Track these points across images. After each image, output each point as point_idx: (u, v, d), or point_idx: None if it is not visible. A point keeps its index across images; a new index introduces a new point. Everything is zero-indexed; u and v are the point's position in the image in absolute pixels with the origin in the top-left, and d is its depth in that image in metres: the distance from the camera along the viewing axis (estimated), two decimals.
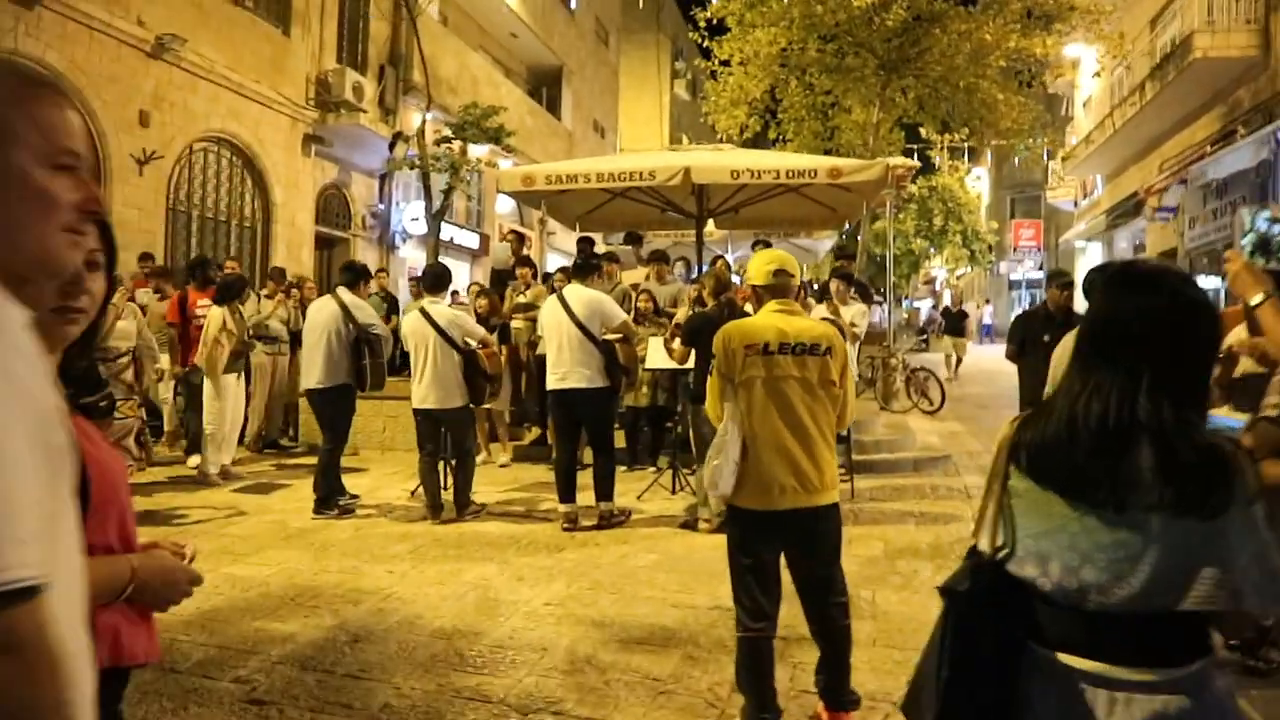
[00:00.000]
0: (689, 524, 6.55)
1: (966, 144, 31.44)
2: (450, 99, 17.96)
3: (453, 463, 7.09)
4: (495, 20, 23.04)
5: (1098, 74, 21.76)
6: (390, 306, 11.02)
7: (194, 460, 8.29)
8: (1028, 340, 6.73)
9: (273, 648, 4.24)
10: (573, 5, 28.00)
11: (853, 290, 9.30)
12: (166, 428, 8.38)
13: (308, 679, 3.90)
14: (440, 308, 6.93)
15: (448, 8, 20.74)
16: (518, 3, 22.79)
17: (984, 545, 1.65)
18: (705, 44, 17.97)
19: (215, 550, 5.93)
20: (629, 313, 8.21)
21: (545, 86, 27.02)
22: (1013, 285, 43.66)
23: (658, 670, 3.98)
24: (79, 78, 11.16)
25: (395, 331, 8.82)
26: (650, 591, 5.09)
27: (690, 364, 6.56)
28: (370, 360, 6.75)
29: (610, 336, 6.78)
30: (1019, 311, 11.98)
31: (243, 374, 8.35)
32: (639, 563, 5.68)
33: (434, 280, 7.13)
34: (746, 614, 3.25)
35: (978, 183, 40.70)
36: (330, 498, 6.91)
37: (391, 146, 16.59)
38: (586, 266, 7.13)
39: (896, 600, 4.98)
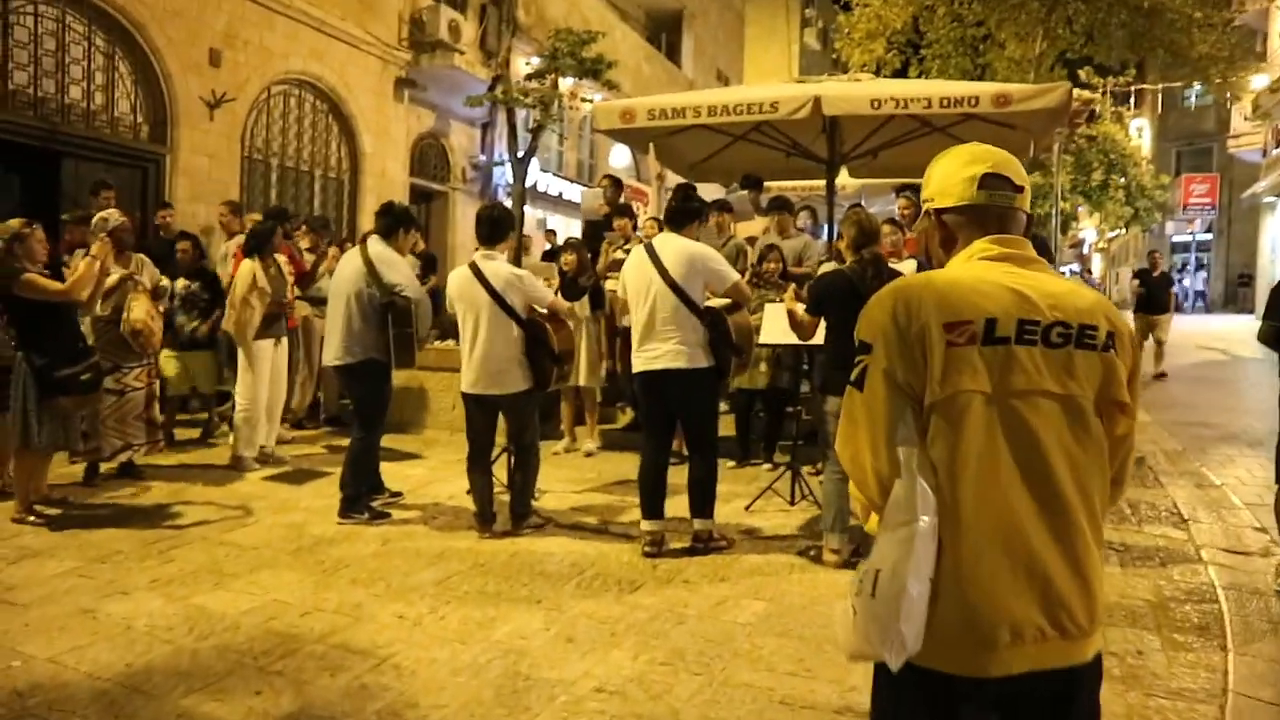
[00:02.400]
0: (810, 553, 4.94)
1: (1132, 88, 28.15)
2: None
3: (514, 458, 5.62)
4: None
5: None
6: (426, 265, 9.40)
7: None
8: None
9: None
10: None
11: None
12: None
13: None
14: (497, 264, 5.33)
15: None
16: None
17: None
18: None
19: (199, 568, 4.66)
20: (743, 273, 6.55)
21: (665, 32, 25.30)
22: (1175, 248, 39.65)
23: None
24: (141, 12, 10.18)
25: (436, 293, 7.44)
26: (751, 673, 3.50)
27: (820, 339, 4.93)
28: (394, 330, 5.25)
29: (715, 303, 5.14)
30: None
31: (282, 339, 7.12)
32: (739, 617, 4.11)
33: (491, 227, 5.46)
34: None
35: (1138, 135, 36.78)
36: (359, 498, 5.56)
37: (491, 90, 15.26)
38: (685, 211, 5.13)
39: (1121, 710, 3.27)
